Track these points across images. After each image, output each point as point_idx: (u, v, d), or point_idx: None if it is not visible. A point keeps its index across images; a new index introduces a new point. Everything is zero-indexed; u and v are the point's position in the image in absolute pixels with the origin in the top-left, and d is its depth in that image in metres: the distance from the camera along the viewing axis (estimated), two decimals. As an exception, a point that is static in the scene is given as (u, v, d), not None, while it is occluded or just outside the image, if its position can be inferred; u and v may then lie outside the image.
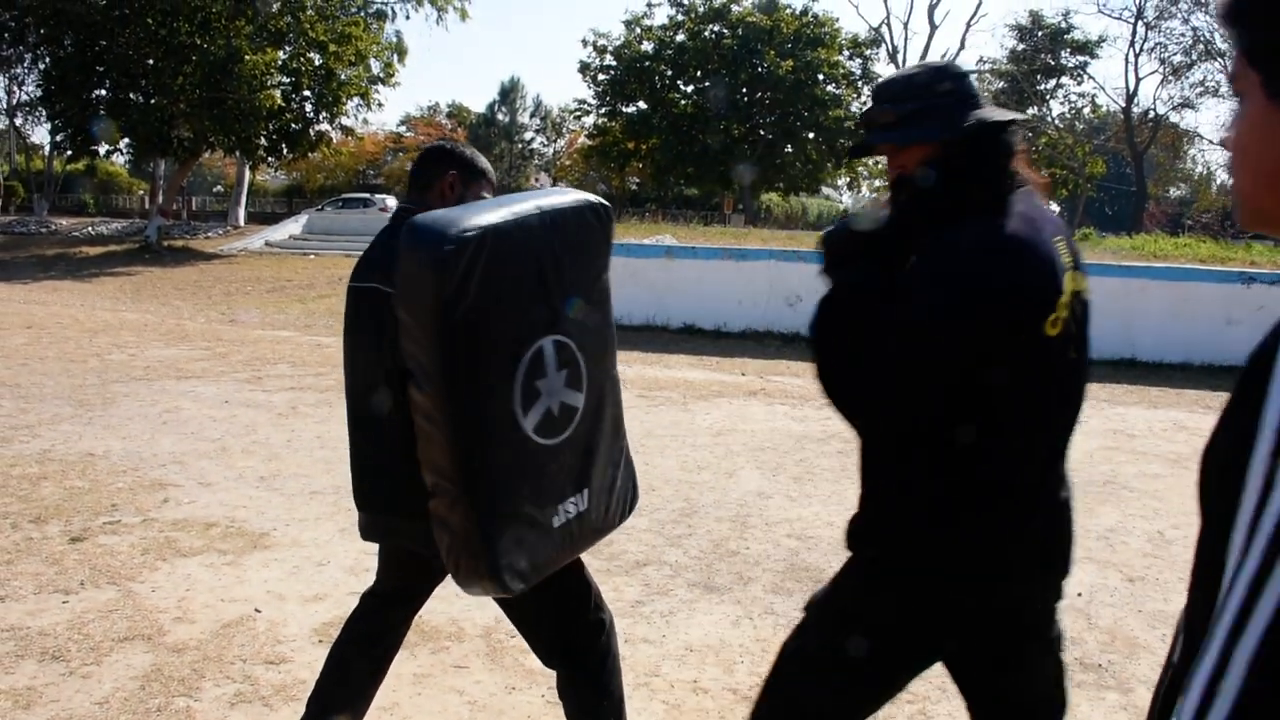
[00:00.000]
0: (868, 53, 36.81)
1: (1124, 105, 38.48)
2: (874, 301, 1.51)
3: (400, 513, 1.99)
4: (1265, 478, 0.61)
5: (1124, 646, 3.41)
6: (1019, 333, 1.45)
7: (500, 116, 48.94)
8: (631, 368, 8.71)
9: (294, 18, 23.10)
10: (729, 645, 3.32)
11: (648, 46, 36.00)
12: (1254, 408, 0.65)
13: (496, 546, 1.74)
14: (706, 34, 34.89)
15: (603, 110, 37.58)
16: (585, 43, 36.52)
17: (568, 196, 1.94)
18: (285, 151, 25.22)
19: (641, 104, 36.30)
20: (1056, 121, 39.34)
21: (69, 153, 25.50)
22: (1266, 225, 0.73)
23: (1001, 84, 38.87)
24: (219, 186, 48.57)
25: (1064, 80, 39.67)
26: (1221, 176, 47.62)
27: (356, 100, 25.40)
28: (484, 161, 2.14)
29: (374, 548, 2.24)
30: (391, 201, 28.00)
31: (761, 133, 35.21)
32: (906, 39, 48.71)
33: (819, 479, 5.44)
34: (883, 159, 1.68)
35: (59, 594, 3.52)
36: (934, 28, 47.86)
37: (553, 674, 2.17)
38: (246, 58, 21.43)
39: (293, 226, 27.20)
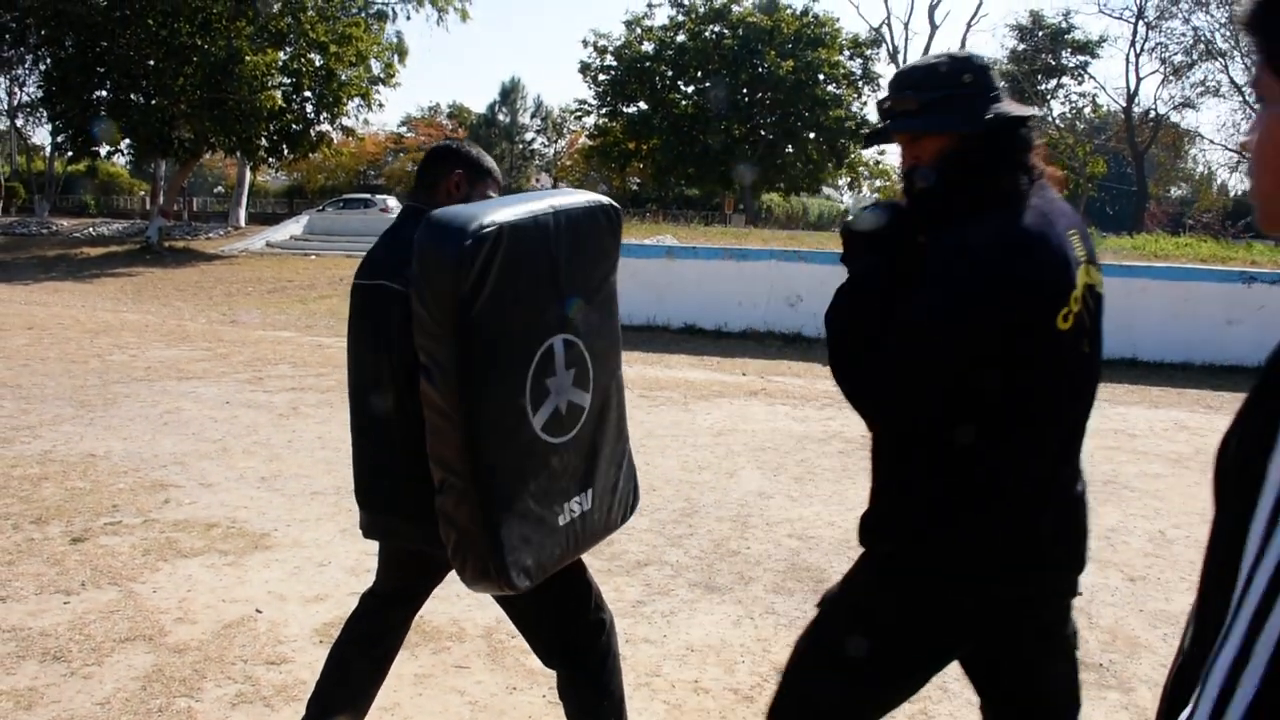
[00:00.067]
0: (868, 53, 36.73)
1: (1125, 105, 38.41)
2: (887, 292, 1.50)
3: (400, 514, 1.99)
4: None
5: (1125, 646, 3.41)
6: (1030, 327, 1.45)
7: (501, 117, 48.90)
8: (632, 368, 8.71)
9: (295, 18, 23.11)
10: (730, 645, 3.32)
11: (648, 47, 35.95)
12: (1272, 406, 0.67)
13: (504, 543, 1.74)
14: (707, 34, 34.85)
15: (603, 110, 37.54)
16: (586, 43, 36.51)
17: (580, 197, 1.94)
18: (286, 152, 25.22)
19: (642, 104, 36.26)
20: (1057, 121, 39.24)
21: (70, 154, 25.50)
22: None
23: (1002, 84, 38.71)
24: (220, 187, 48.52)
25: (1065, 80, 39.60)
26: (1222, 176, 47.64)
27: (357, 101, 25.41)
28: (490, 161, 2.14)
29: (374, 548, 2.24)
30: (392, 202, 28.00)
31: (762, 133, 35.17)
32: (907, 39, 48.57)
33: (820, 479, 5.44)
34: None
35: (60, 595, 3.53)
36: (934, 28, 47.73)
37: (554, 674, 2.16)
38: (247, 58, 21.44)
39: (294, 227, 27.24)
